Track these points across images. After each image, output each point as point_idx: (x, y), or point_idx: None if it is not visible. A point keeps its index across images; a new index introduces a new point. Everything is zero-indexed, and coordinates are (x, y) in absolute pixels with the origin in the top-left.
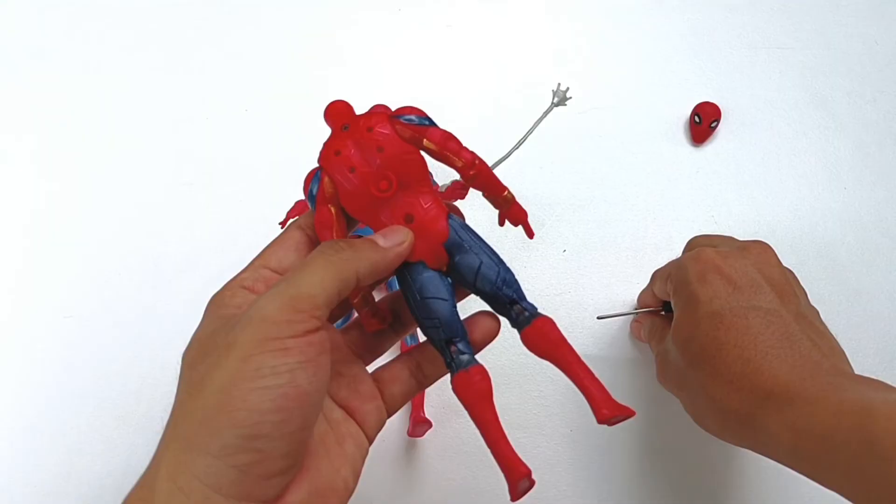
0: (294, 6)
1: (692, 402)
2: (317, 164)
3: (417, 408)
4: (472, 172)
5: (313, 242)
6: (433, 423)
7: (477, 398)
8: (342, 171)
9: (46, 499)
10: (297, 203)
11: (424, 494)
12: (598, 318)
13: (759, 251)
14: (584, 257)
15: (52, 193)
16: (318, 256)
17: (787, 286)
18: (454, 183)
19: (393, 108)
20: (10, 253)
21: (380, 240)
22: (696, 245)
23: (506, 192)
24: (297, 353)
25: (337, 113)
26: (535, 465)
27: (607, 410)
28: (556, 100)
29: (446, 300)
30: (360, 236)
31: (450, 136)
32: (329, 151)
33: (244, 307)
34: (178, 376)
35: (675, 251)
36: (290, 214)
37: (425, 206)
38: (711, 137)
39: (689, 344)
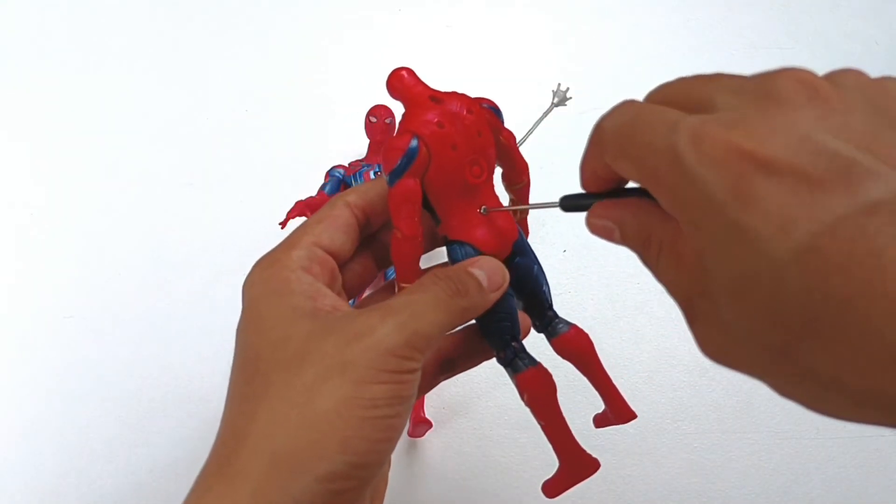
0: (294, 6)
1: (808, 389)
2: (407, 131)
3: (417, 408)
4: (525, 179)
5: (360, 224)
6: (433, 424)
7: (551, 394)
8: (444, 147)
9: (46, 499)
10: (297, 203)
11: (424, 494)
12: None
13: (798, 91)
14: (584, 257)
15: (52, 193)
16: (440, 296)
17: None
18: None
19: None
20: (10, 253)
21: (483, 279)
22: (654, 118)
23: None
24: (409, 388)
25: (418, 81)
26: (535, 464)
27: (628, 415)
28: (556, 100)
29: (513, 296)
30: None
31: (514, 137)
32: (429, 121)
33: (319, 299)
34: (233, 353)
35: None
36: (290, 215)
37: (498, 202)
38: None
39: (776, 314)
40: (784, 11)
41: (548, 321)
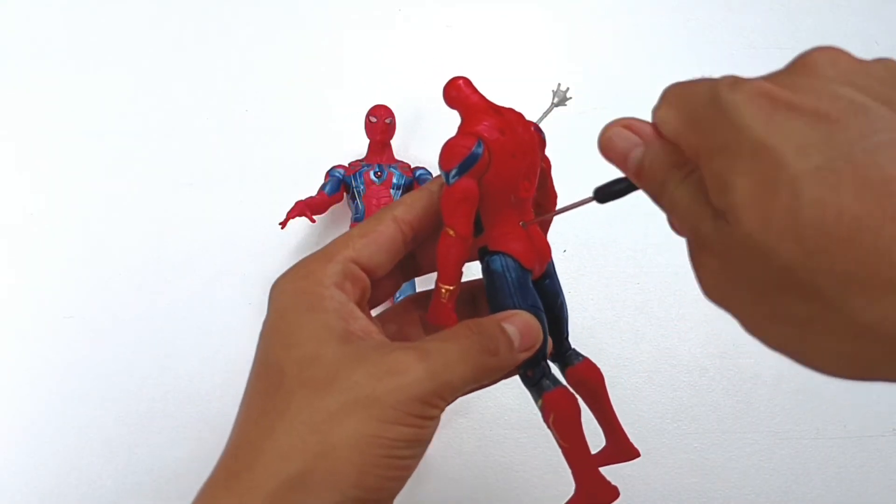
0: (294, 7)
1: (809, 329)
2: (472, 133)
3: None
4: (552, 209)
5: (406, 240)
6: None
7: (577, 415)
8: (505, 154)
9: (46, 499)
10: (297, 203)
11: (424, 494)
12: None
13: (826, 58)
14: (584, 257)
15: (51, 193)
16: (471, 351)
17: None
18: None
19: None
20: (10, 253)
21: (515, 338)
22: (703, 81)
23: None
24: (429, 433)
25: (475, 90)
26: (535, 465)
27: (632, 453)
28: (556, 100)
29: (544, 314)
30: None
31: (551, 166)
32: (493, 126)
33: (351, 321)
34: (253, 358)
35: (676, 251)
36: (290, 215)
37: (534, 219)
38: None
39: (791, 225)
40: (784, 11)
41: (563, 350)
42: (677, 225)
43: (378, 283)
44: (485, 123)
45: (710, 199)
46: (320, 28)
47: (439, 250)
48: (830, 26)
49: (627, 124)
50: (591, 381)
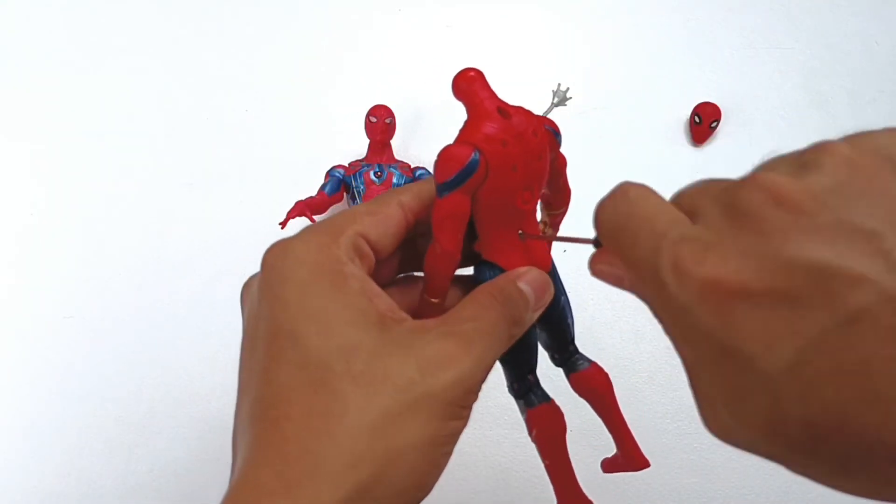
0: (294, 7)
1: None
2: (469, 143)
3: None
4: (565, 207)
5: (409, 227)
6: None
7: (562, 433)
8: (505, 168)
9: (46, 499)
10: (297, 203)
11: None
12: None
13: (764, 201)
14: (584, 257)
15: (52, 193)
16: (501, 326)
17: (879, 215)
18: None
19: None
20: (10, 253)
21: (530, 297)
22: (643, 225)
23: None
24: (464, 423)
25: (486, 86)
26: (534, 464)
27: (641, 462)
28: (556, 100)
29: (535, 326)
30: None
31: (566, 163)
32: (494, 137)
33: (376, 300)
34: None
35: None
36: (290, 215)
37: (537, 229)
38: (711, 137)
39: (774, 426)
40: (784, 11)
41: (568, 355)
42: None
43: (378, 266)
44: (486, 131)
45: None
46: (320, 28)
47: (426, 263)
48: (830, 26)
49: (604, 259)
50: (598, 388)
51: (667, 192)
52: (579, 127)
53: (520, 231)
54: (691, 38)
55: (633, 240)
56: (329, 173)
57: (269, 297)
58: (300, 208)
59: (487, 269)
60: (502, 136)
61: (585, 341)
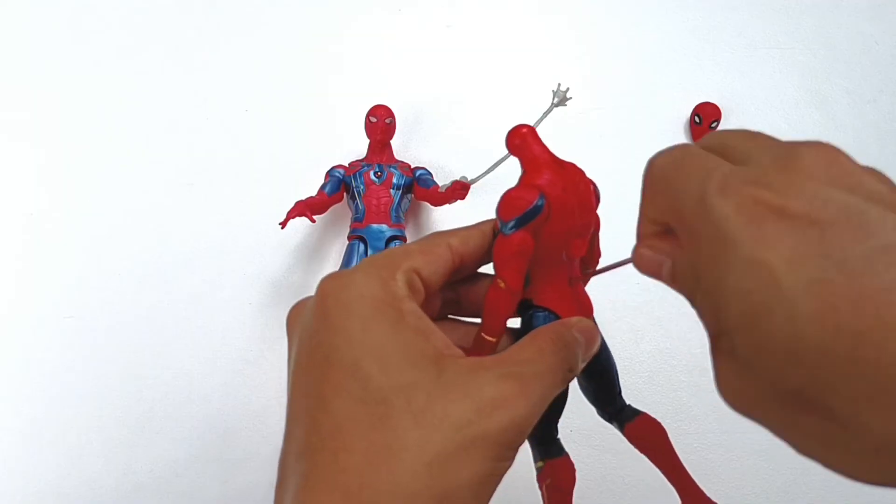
0: (294, 7)
1: (831, 445)
2: (535, 186)
3: None
4: (594, 268)
5: (456, 268)
6: None
7: (572, 488)
8: (564, 212)
9: (46, 499)
10: (297, 203)
11: None
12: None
13: (819, 158)
14: None
15: (52, 194)
16: (557, 370)
17: (891, 190)
18: (454, 184)
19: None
20: (10, 253)
21: (582, 342)
22: (694, 164)
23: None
24: (510, 464)
25: (539, 140)
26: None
27: None
28: (556, 100)
29: (588, 372)
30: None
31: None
32: (556, 183)
33: (431, 338)
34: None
35: None
36: (290, 215)
37: (580, 276)
38: None
39: (789, 346)
40: (784, 11)
41: (618, 408)
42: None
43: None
44: (547, 177)
45: (704, 324)
46: (320, 28)
47: (487, 300)
48: (830, 26)
49: (650, 244)
50: (651, 437)
51: None
52: (579, 127)
53: (570, 278)
54: (691, 38)
55: (683, 174)
56: (329, 173)
57: (328, 326)
58: (300, 208)
59: (542, 314)
60: (562, 184)
61: None
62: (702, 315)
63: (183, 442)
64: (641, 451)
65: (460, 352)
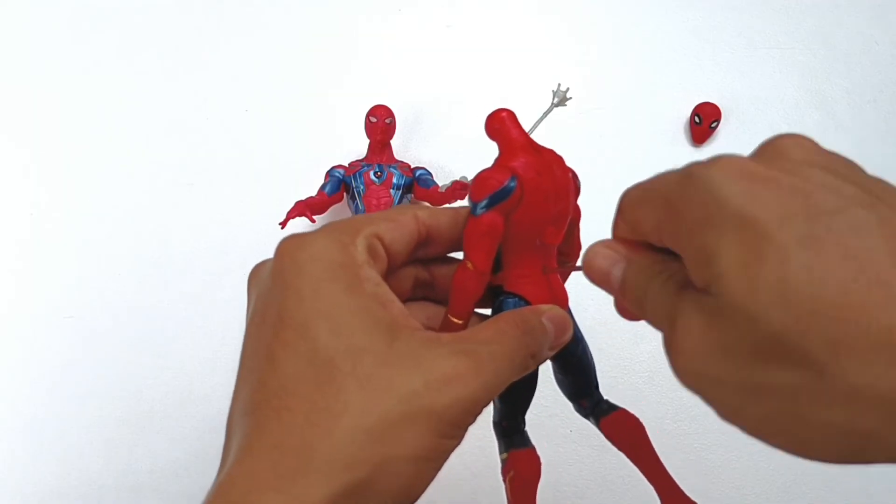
0: (294, 7)
1: (796, 400)
2: (507, 168)
3: None
4: (574, 261)
5: (420, 242)
6: None
7: (536, 480)
8: (538, 196)
9: (46, 498)
10: (297, 203)
11: (424, 495)
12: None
13: (796, 144)
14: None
15: (52, 194)
16: (518, 353)
17: (859, 172)
18: (454, 184)
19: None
20: (10, 253)
21: (551, 333)
22: (670, 175)
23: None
24: (457, 443)
25: (518, 125)
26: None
27: None
28: (556, 100)
29: (562, 363)
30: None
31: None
32: (529, 166)
33: (389, 306)
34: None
35: None
36: (290, 215)
37: (556, 266)
38: (711, 138)
39: (773, 299)
40: (784, 11)
41: (594, 402)
42: (657, 324)
43: (390, 281)
44: (522, 160)
45: (691, 278)
46: (320, 28)
47: (454, 282)
48: (830, 26)
49: (608, 244)
50: (629, 433)
51: None
52: (579, 127)
53: (544, 267)
54: (691, 38)
55: (662, 176)
56: (329, 173)
57: (281, 285)
58: (300, 208)
59: (512, 300)
60: (537, 167)
61: (588, 340)
62: (660, 303)
63: (183, 442)
64: (618, 447)
65: (418, 324)
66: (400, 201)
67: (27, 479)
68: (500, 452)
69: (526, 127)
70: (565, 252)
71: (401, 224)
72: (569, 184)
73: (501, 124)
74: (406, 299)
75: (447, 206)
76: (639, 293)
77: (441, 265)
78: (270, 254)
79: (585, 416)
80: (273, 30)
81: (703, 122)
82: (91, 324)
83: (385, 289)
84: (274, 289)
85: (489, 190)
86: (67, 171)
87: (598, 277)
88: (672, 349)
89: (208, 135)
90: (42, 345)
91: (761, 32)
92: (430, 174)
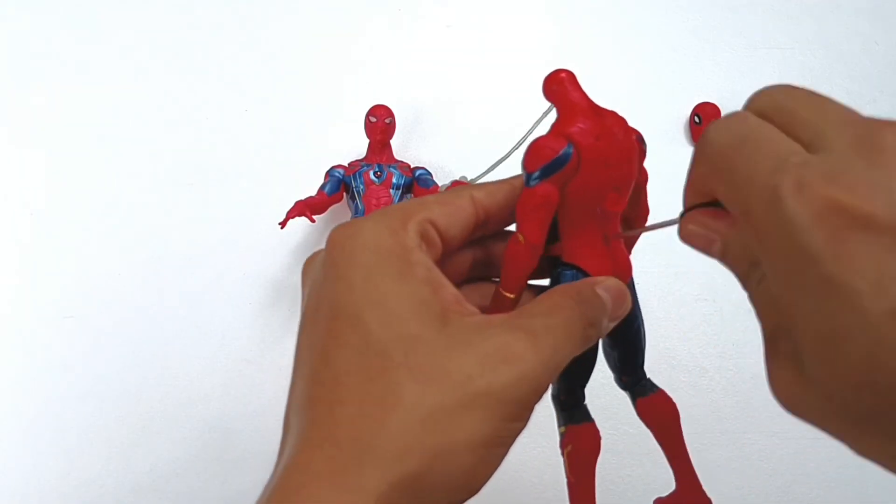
0: (294, 7)
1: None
2: (563, 134)
3: None
4: (641, 225)
5: (478, 224)
6: None
7: (595, 455)
8: (597, 162)
9: (46, 499)
10: (297, 203)
11: None
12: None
13: None
14: None
15: (52, 193)
16: (576, 327)
17: None
18: (454, 184)
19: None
20: (10, 253)
21: (608, 304)
22: (761, 148)
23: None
24: (523, 425)
25: (578, 86)
26: (535, 464)
27: (702, 501)
28: None
29: (603, 342)
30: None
31: (648, 178)
32: (588, 130)
33: (440, 291)
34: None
35: (676, 250)
36: (290, 215)
37: (619, 233)
38: None
39: (867, 375)
40: (784, 12)
41: (637, 379)
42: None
43: (448, 263)
44: (580, 125)
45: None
46: (320, 28)
47: (506, 255)
48: (831, 27)
49: (699, 221)
50: (663, 416)
51: (666, 192)
52: None
53: (605, 235)
54: (691, 38)
55: (749, 159)
56: (329, 173)
57: (333, 276)
58: (300, 208)
59: (570, 272)
60: (596, 131)
61: None
62: (759, 310)
63: (183, 442)
64: (649, 427)
65: (474, 309)
66: (399, 201)
67: (27, 479)
68: (559, 426)
69: (521, 124)
70: (632, 218)
71: (457, 208)
72: (633, 147)
73: (560, 86)
74: (464, 280)
75: (504, 180)
76: (740, 270)
77: (498, 241)
78: (270, 254)
79: (624, 389)
80: (273, 30)
81: (703, 122)
82: (91, 324)
83: (437, 273)
84: (326, 280)
85: (543, 160)
86: (67, 171)
87: (699, 248)
88: (768, 375)
89: (208, 135)
90: (42, 345)
91: (761, 32)
92: (429, 174)
